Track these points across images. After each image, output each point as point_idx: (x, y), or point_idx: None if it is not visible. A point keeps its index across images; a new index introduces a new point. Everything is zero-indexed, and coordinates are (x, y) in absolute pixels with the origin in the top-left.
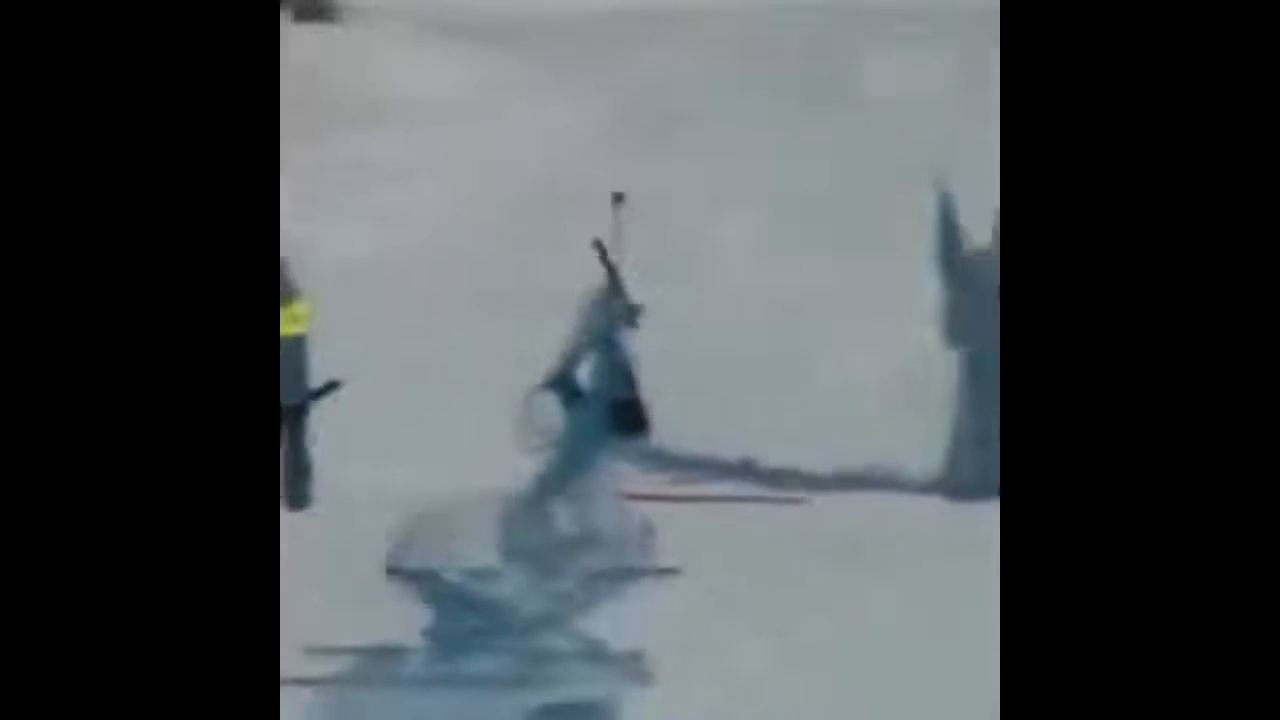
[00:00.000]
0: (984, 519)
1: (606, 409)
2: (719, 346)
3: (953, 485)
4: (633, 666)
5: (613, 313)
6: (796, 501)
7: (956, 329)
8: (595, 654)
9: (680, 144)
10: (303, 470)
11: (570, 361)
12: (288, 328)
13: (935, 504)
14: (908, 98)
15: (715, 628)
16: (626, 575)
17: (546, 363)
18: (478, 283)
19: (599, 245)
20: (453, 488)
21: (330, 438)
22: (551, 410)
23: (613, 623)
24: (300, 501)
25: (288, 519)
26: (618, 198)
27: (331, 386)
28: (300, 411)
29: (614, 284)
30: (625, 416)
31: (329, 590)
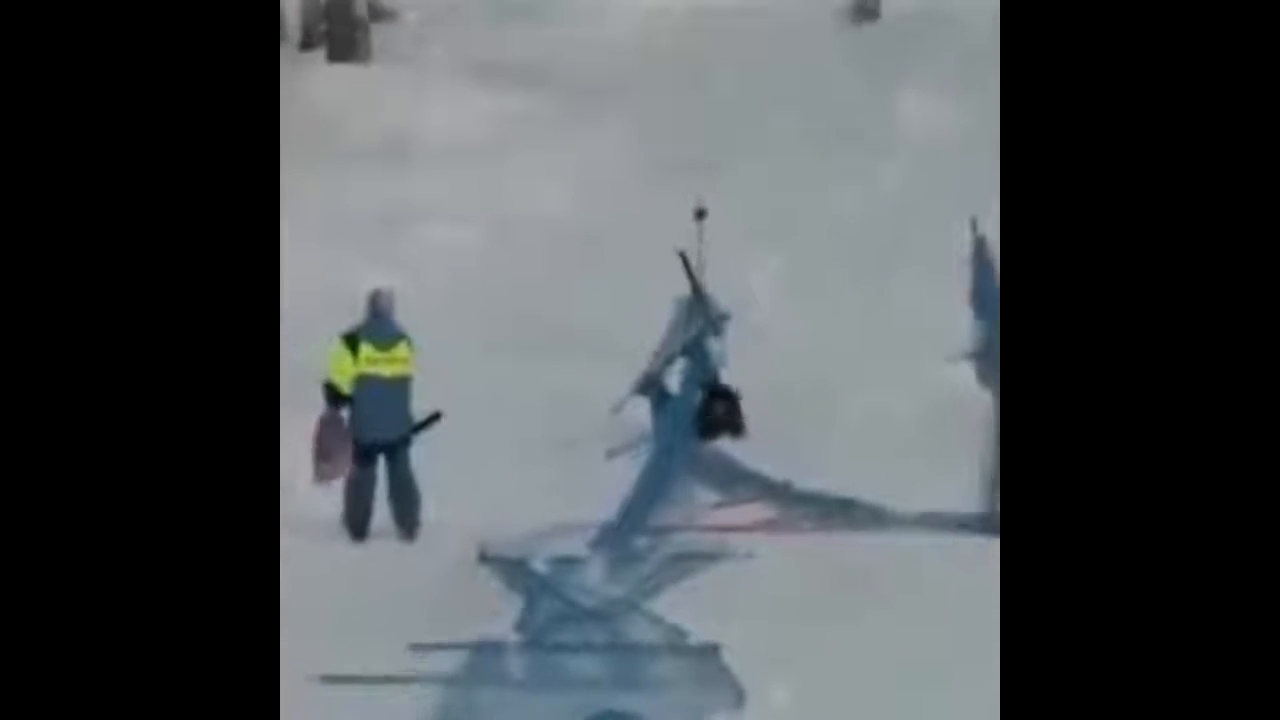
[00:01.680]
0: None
1: (697, 412)
2: (748, 380)
3: (988, 522)
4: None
5: (699, 321)
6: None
7: (991, 369)
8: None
9: (709, 182)
10: (414, 499)
11: (660, 367)
12: (393, 368)
13: (973, 542)
14: (944, 137)
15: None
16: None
17: (583, 403)
18: (511, 322)
19: (683, 256)
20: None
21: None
22: (640, 415)
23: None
24: (411, 529)
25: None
26: (700, 213)
27: (434, 419)
28: (404, 444)
29: (698, 293)
30: (718, 426)
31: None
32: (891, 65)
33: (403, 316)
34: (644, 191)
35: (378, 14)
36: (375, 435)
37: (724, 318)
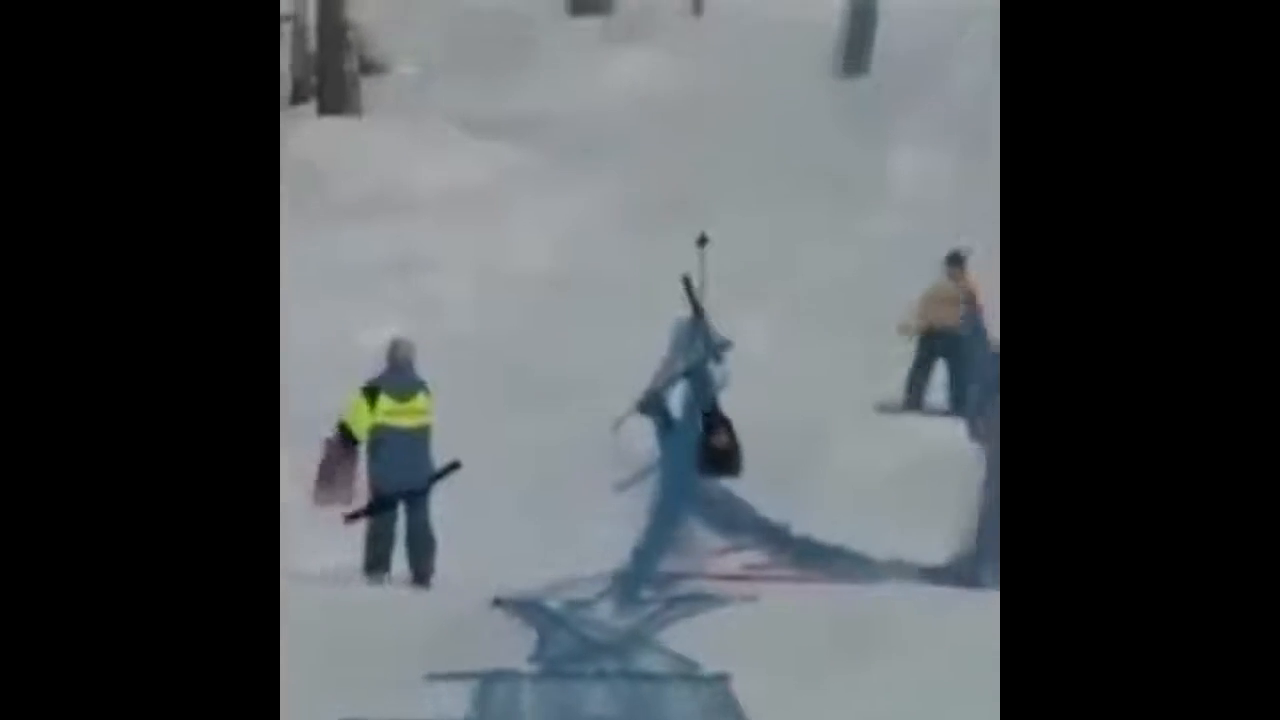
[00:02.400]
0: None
1: (699, 451)
2: (739, 424)
3: (967, 575)
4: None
5: (700, 346)
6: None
7: (980, 424)
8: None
9: (694, 235)
10: (429, 548)
11: (663, 386)
12: (411, 419)
13: (950, 593)
14: (929, 189)
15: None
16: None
17: (580, 450)
18: (503, 374)
19: (686, 282)
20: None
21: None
22: (638, 445)
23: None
24: (425, 577)
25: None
26: (702, 240)
27: (452, 467)
28: (423, 493)
29: (699, 316)
30: (719, 459)
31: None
32: (880, 118)
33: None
34: (635, 243)
35: (369, 67)
36: (394, 485)
37: (725, 345)
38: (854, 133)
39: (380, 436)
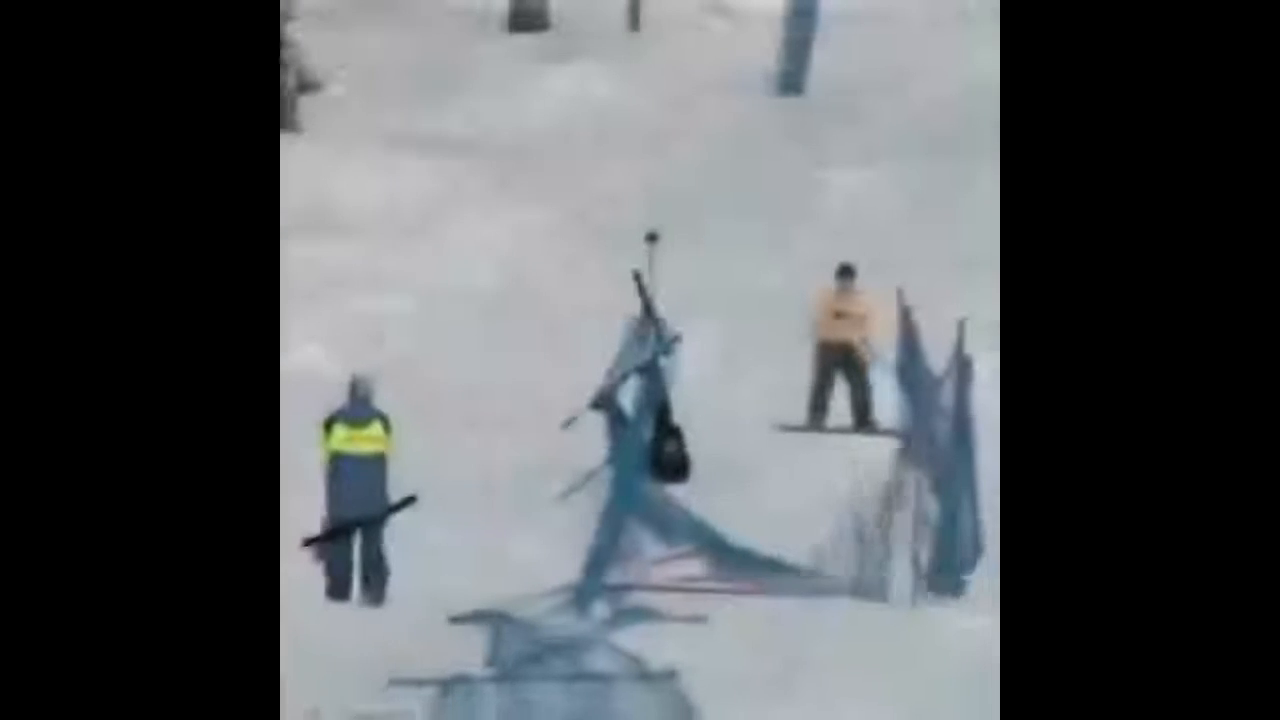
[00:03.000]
0: (928, 625)
1: (652, 456)
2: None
3: (886, 594)
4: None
5: (650, 341)
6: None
7: (915, 449)
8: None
9: (639, 250)
10: (382, 574)
11: (615, 383)
12: (369, 446)
13: (879, 611)
14: (872, 209)
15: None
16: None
17: (522, 467)
18: (442, 393)
19: (637, 277)
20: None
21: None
22: (583, 451)
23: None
24: (378, 601)
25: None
26: (651, 237)
27: (408, 501)
28: (378, 522)
29: (650, 312)
30: (668, 465)
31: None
32: (816, 137)
33: (331, 388)
34: (573, 260)
35: (305, 85)
36: (350, 510)
37: (675, 339)
38: (789, 151)
39: (336, 464)
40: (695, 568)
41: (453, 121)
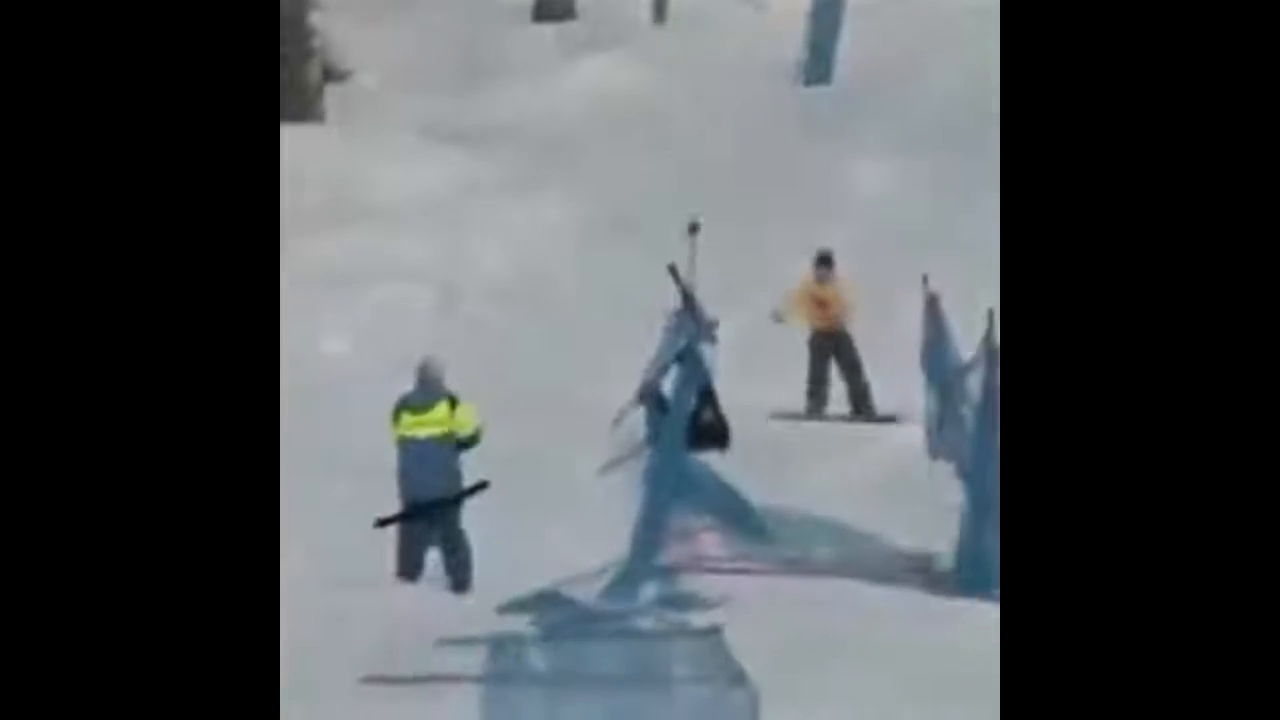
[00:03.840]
0: (972, 615)
1: (690, 425)
2: None
3: (933, 582)
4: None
5: (691, 329)
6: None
7: (943, 438)
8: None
9: (663, 243)
10: (462, 557)
11: (657, 375)
12: (432, 428)
13: (917, 598)
14: (899, 199)
15: None
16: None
17: (545, 461)
18: (464, 384)
19: (672, 268)
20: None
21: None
22: (635, 424)
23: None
24: (462, 585)
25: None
26: (693, 228)
27: (481, 486)
28: (456, 505)
29: (689, 304)
30: (708, 433)
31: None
32: (843, 127)
33: (357, 377)
34: (596, 251)
35: (331, 74)
36: (420, 493)
37: (715, 324)
38: (816, 142)
39: (405, 448)
40: (733, 546)
41: (477, 111)
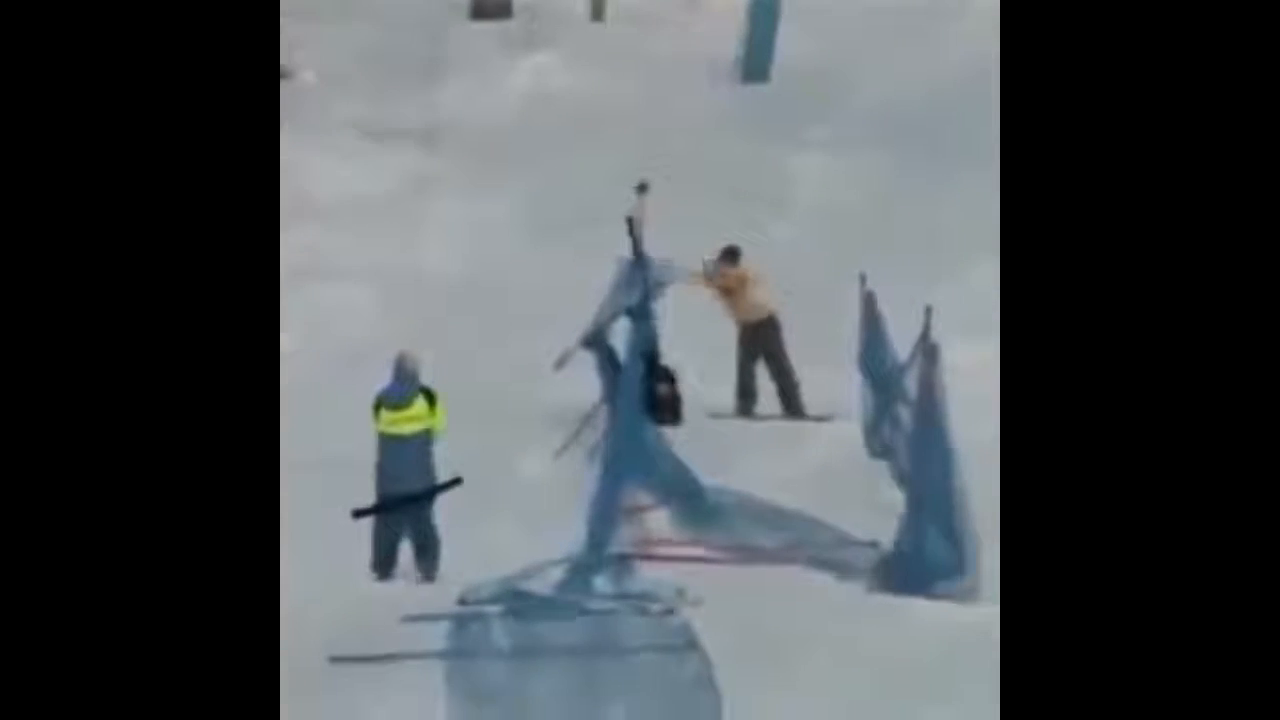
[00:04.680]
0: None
1: (646, 401)
2: None
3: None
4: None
5: (640, 284)
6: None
7: (879, 437)
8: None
9: (604, 240)
10: (433, 550)
11: (605, 322)
12: (412, 425)
13: (853, 592)
14: (836, 201)
15: None
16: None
17: (485, 460)
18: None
19: (629, 220)
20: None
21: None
22: (585, 385)
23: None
24: (430, 575)
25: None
26: (641, 188)
27: (455, 483)
28: (428, 499)
29: (639, 258)
30: (663, 406)
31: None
32: (781, 125)
33: (298, 375)
34: (540, 250)
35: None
36: (395, 488)
37: (664, 283)
38: (754, 139)
39: (383, 445)
40: (684, 530)
41: (417, 110)
